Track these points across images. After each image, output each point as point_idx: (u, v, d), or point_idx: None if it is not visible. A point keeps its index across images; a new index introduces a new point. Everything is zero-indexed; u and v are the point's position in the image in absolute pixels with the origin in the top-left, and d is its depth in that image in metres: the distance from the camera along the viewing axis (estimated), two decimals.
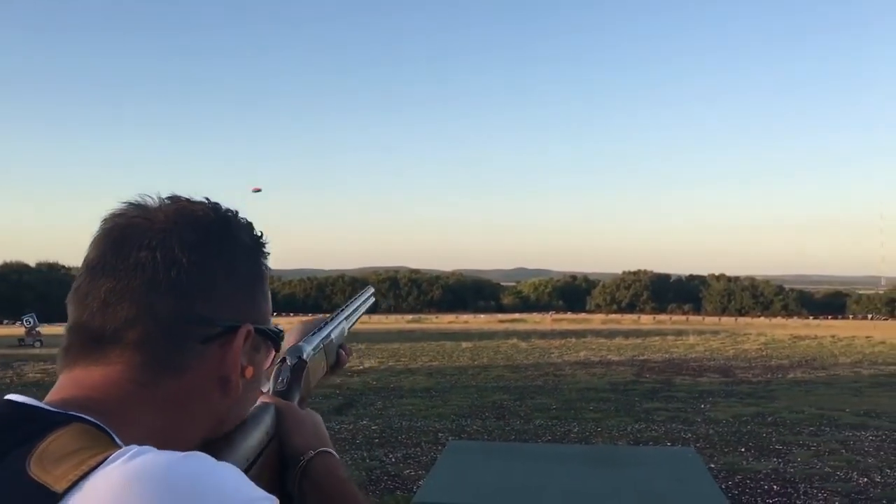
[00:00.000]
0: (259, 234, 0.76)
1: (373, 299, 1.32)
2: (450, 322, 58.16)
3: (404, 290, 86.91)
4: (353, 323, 1.20)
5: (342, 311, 1.16)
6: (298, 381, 0.92)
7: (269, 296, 0.77)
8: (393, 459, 8.31)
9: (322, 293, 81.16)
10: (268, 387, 0.90)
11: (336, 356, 1.08)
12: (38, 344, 29.95)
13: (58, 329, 42.26)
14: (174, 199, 0.71)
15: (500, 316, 67.49)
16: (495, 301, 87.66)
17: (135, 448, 0.55)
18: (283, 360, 0.93)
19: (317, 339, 1.01)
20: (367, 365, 19.70)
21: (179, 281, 0.66)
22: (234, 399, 0.70)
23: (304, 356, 0.95)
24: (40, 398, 0.64)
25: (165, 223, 0.68)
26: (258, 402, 0.83)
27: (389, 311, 78.81)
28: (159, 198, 0.71)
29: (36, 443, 0.55)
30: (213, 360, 0.68)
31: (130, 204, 0.70)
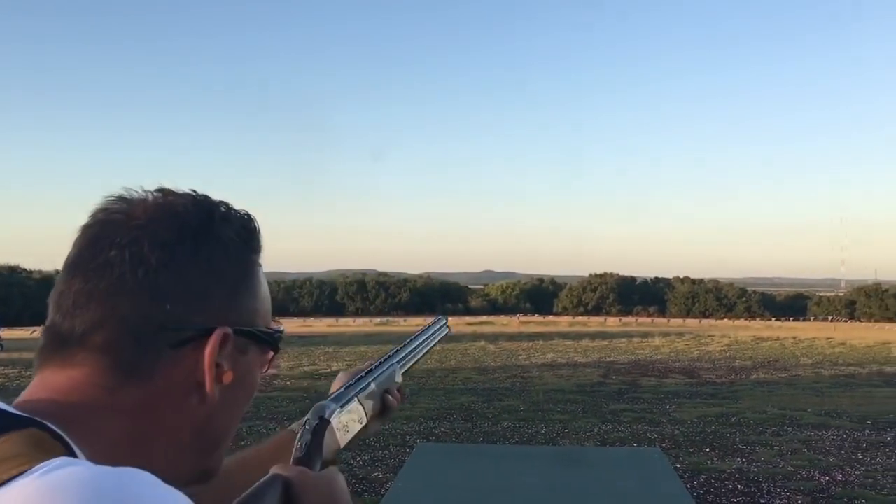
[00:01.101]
0: (253, 227, 0.71)
1: (446, 331, 1.24)
2: (418, 325, 57.91)
3: (372, 292, 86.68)
4: (417, 360, 1.14)
5: (396, 352, 1.10)
6: (319, 445, 0.87)
7: (262, 293, 0.72)
8: (361, 462, 8.27)
9: (290, 296, 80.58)
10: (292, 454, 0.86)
11: (382, 402, 1.02)
12: None
13: (19, 333, 41.39)
14: (160, 192, 0.68)
15: (468, 318, 67.51)
16: (463, 304, 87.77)
17: (61, 460, 0.52)
18: (306, 421, 0.88)
19: (350, 393, 0.95)
20: (334, 368, 19.60)
21: (147, 282, 0.63)
22: (210, 406, 0.66)
23: (327, 415, 0.89)
24: (7, 402, 0.62)
25: (141, 219, 0.65)
26: (268, 475, 0.76)
27: (357, 313, 78.53)
28: (146, 191, 0.68)
29: None
30: (186, 366, 0.64)
31: (115, 198, 0.67)
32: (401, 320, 66.42)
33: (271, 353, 0.73)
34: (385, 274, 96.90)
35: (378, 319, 66.55)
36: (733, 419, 11.34)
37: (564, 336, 36.67)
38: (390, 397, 1.03)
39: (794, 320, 66.46)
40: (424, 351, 1.17)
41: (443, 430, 10.47)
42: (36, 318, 47.99)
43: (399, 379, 1.08)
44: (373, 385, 1.00)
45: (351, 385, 0.97)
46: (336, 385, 0.98)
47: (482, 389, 15.11)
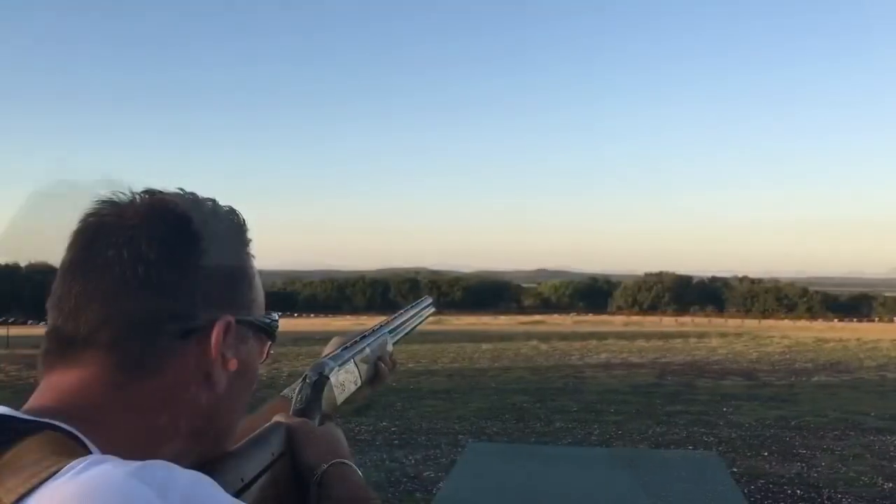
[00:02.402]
0: (241, 220, 0.74)
1: (431, 309, 1.30)
2: (470, 323, 58.07)
3: (424, 290, 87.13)
4: (405, 333, 1.18)
5: (387, 323, 1.15)
6: (318, 398, 0.91)
7: (256, 284, 0.75)
8: (412, 461, 8.30)
9: (342, 294, 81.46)
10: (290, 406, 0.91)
11: (375, 369, 1.07)
12: None
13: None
14: (149, 193, 0.70)
15: (521, 317, 67.27)
16: (516, 302, 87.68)
17: (90, 458, 0.54)
18: (305, 376, 0.93)
19: (346, 354, 1.00)
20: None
21: (148, 278, 0.65)
22: (218, 394, 0.68)
23: (326, 372, 0.94)
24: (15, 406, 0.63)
25: (134, 219, 0.67)
26: (271, 422, 0.82)
27: None
28: (133, 192, 0.70)
29: (1, 454, 0.54)
30: (192, 357, 0.66)
31: (103, 202, 0.69)
32: (453, 318, 66.50)
33: (269, 342, 0.76)
34: (438, 272, 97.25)
35: (431, 318, 66.63)
36: (793, 422, 11.04)
37: (619, 336, 36.21)
38: (383, 364, 1.08)
39: (857, 321, 64.45)
40: (413, 326, 1.22)
41: (494, 429, 10.44)
42: None
43: (390, 348, 1.13)
44: (367, 350, 1.05)
45: (348, 347, 1.01)
46: (330, 348, 1.02)
47: (534, 389, 15.02)
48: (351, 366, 1.00)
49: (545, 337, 34.28)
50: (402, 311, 1.22)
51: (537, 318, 65.63)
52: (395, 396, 13.74)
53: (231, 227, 0.72)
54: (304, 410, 0.89)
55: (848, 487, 7.23)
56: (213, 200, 0.73)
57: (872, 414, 11.85)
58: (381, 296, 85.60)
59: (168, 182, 0.73)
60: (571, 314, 69.34)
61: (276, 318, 0.77)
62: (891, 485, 7.30)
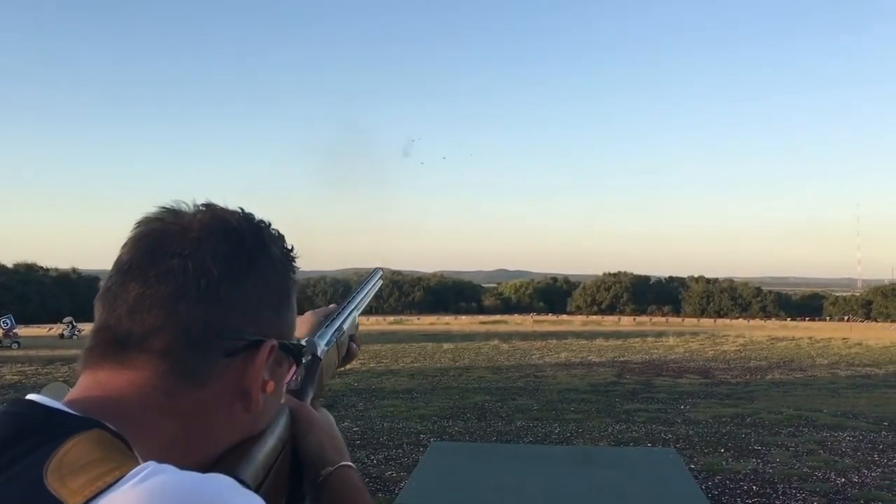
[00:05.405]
0: (290, 247, 0.75)
1: (381, 282, 1.27)
2: (431, 323, 58.10)
3: (385, 291, 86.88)
4: (362, 309, 1.15)
5: (353, 298, 1.11)
6: (312, 380, 0.89)
7: (295, 308, 0.76)
8: (374, 461, 8.28)
9: (303, 294, 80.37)
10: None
11: (347, 348, 1.04)
12: (14, 346, 29.60)
13: (35, 331, 41.75)
14: (209, 207, 0.71)
15: (482, 317, 67.52)
16: (476, 302, 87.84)
17: (152, 466, 0.55)
18: None
19: (330, 333, 0.97)
20: (347, 366, 19.61)
21: (209, 291, 0.65)
22: (254, 413, 0.69)
23: (319, 353, 0.92)
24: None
25: (199, 232, 0.67)
26: None
27: (370, 312, 78.79)
28: (194, 205, 0.71)
29: (54, 448, 0.55)
30: (235, 374, 0.67)
31: (165, 209, 0.70)
32: (414, 318, 66.44)
33: (294, 366, 0.76)
34: (399, 272, 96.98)
35: (392, 318, 66.56)
36: (748, 419, 11.27)
37: (578, 335, 36.56)
38: (353, 344, 1.06)
39: (809, 320, 65.99)
40: (368, 300, 1.19)
41: (456, 429, 10.46)
42: (52, 316, 48.43)
43: (357, 324, 1.10)
44: (345, 329, 1.02)
45: (328, 325, 0.98)
46: (305, 325, 0.99)
47: (495, 388, 15.09)
48: (334, 346, 0.97)
49: (506, 337, 34.46)
50: (360, 286, 1.18)
51: (498, 318, 65.94)
52: (356, 396, 13.68)
53: (283, 251, 0.74)
54: (299, 393, 0.86)
55: (802, 483, 7.39)
56: (269, 223, 0.74)
57: (825, 411, 12.13)
58: (342, 296, 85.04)
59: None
60: (531, 314, 69.78)
61: (304, 343, 0.79)
62: (843, 480, 7.49)
